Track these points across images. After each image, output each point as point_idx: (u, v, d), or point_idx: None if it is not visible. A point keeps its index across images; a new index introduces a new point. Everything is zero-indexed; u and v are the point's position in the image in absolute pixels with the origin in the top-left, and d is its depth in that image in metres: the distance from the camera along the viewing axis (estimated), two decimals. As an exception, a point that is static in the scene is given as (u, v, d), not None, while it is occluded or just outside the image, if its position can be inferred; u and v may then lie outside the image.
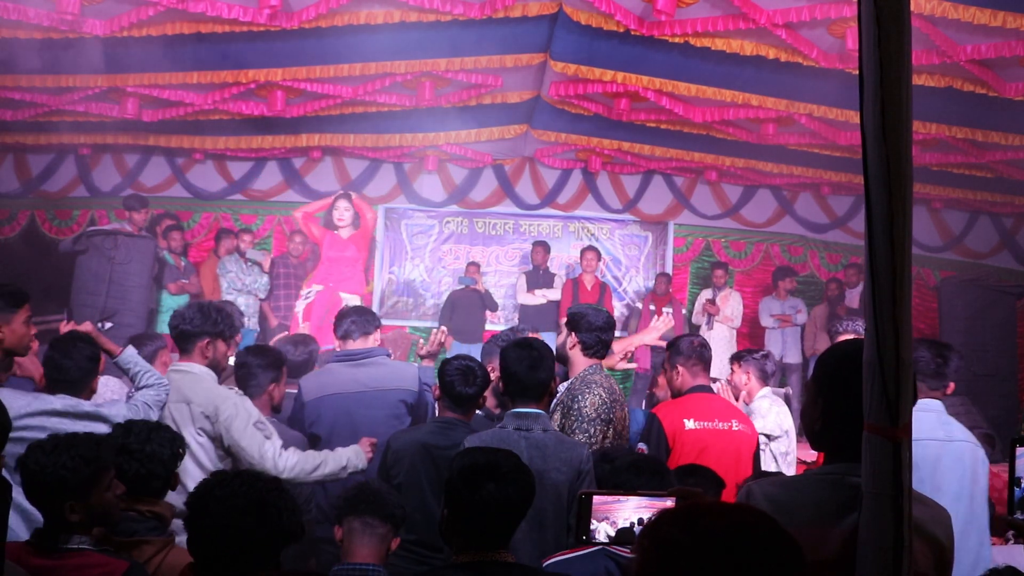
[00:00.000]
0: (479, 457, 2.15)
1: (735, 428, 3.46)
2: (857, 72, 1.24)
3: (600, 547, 2.55)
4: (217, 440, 3.05)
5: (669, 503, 1.50)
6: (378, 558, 2.43)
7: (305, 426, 3.60)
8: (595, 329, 3.36)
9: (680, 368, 3.59)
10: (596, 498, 1.53)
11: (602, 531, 1.51)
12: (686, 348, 3.59)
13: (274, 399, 3.50)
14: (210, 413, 3.02)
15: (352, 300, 6.17)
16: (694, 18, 5.54)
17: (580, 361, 3.37)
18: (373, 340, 3.86)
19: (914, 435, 2.84)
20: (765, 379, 4.43)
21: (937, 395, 3.08)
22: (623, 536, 1.54)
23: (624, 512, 1.50)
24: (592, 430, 3.13)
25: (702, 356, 3.59)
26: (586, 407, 3.15)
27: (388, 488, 2.65)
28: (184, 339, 3.17)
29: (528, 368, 2.85)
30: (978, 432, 4.91)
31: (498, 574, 2.02)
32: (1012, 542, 3.39)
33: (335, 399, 3.57)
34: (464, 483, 2.09)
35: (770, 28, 5.39)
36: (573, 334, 3.39)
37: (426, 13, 5.65)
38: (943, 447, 2.93)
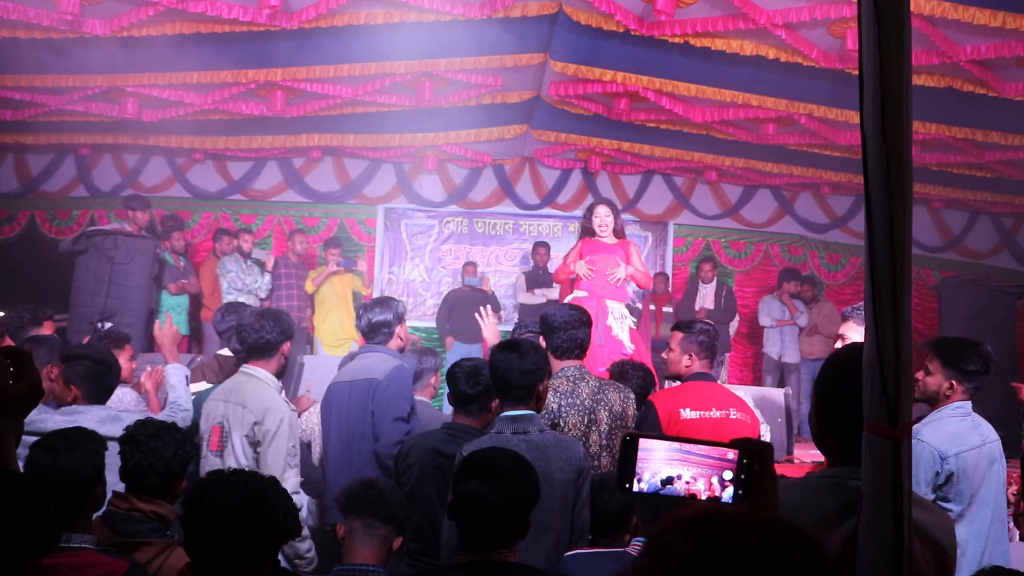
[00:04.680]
0: (483, 453, 2.17)
1: (732, 416, 3.41)
2: (857, 72, 1.24)
3: (622, 549, 2.55)
4: (255, 445, 3.21)
5: (731, 455, 1.25)
6: (378, 559, 2.42)
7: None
8: (556, 329, 3.35)
9: (691, 355, 3.54)
10: (642, 442, 1.27)
11: (650, 483, 1.25)
12: (695, 335, 3.55)
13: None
14: (258, 419, 3.19)
15: (618, 308, 5.37)
16: (694, 18, 5.54)
17: (555, 364, 3.34)
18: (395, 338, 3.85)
19: (956, 448, 2.88)
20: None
21: (968, 396, 3.05)
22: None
23: (661, 464, 1.26)
24: None
25: (709, 345, 3.56)
26: None
27: (393, 487, 2.61)
28: (266, 349, 3.37)
29: (517, 370, 2.82)
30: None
31: (498, 574, 2.03)
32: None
33: (333, 387, 3.69)
34: (456, 475, 2.11)
35: (770, 28, 5.39)
36: (542, 339, 3.41)
37: (426, 13, 5.65)
38: (980, 454, 2.94)
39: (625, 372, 4.07)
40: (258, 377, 3.35)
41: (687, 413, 3.37)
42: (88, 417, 3.04)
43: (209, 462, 3.27)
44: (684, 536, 0.90)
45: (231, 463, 3.19)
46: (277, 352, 3.41)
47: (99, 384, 3.27)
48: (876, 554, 1.24)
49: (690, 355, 3.54)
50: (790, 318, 8.92)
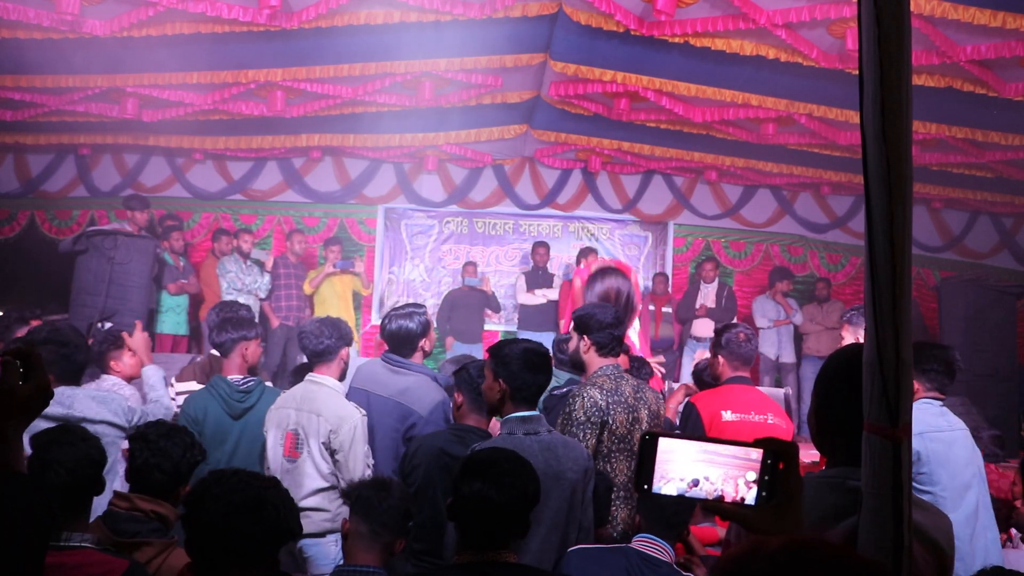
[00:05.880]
0: (484, 453, 2.17)
1: (770, 421, 3.44)
2: (857, 72, 1.24)
3: (625, 544, 2.56)
4: (331, 451, 3.38)
5: (755, 455, 1.20)
6: (380, 561, 2.42)
7: None
8: (606, 327, 3.33)
9: (721, 359, 3.62)
10: (662, 441, 1.21)
11: (678, 486, 1.21)
12: (729, 342, 3.60)
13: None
14: (334, 427, 3.37)
15: None
16: (694, 18, 5.54)
17: (595, 362, 3.33)
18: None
19: (919, 427, 2.91)
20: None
21: (935, 395, 3.13)
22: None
23: (685, 465, 1.22)
24: (581, 434, 3.12)
25: (741, 351, 3.60)
26: (575, 410, 3.13)
27: (403, 491, 2.59)
28: (326, 354, 3.55)
29: (547, 375, 2.84)
30: (988, 434, 4.93)
31: (498, 574, 2.03)
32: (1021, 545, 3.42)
33: (361, 394, 3.66)
34: (457, 476, 2.11)
35: (770, 28, 5.39)
36: (585, 337, 3.35)
37: (426, 13, 5.65)
38: (947, 437, 3.00)
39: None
40: (328, 385, 3.52)
41: (728, 415, 3.41)
42: (81, 396, 3.26)
43: (283, 467, 3.42)
44: (773, 569, 0.85)
45: (308, 468, 3.37)
46: (336, 357, 3.56)
47: (69, 365, 3.34)
48: (876, 554, 1.24)
49: (721, 359, 3.63)
50: (785, 317, 8.90)
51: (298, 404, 3.48)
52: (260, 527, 1.82)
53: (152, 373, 3.75)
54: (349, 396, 3.67)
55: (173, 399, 3.95)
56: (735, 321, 8.82)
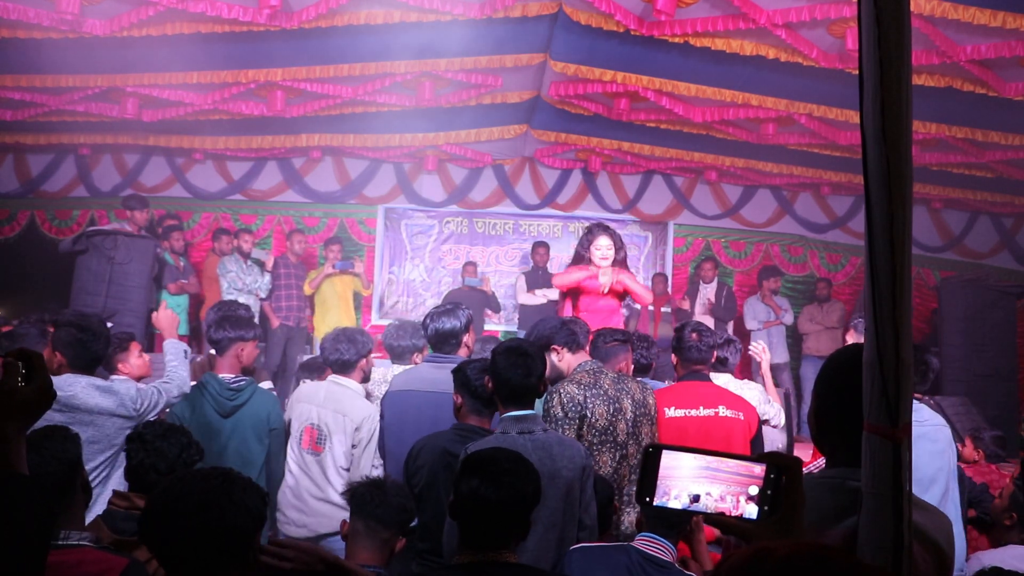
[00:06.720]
0: (485, 452, 2.17)
1: (722, 414, 3.51)
2: (857, 72, 1.24)
3: (626, 541, 2.57)
4: (352, 445, 3.65)
5: (758, 469, 1.22)
6: (379, 560, 2.42)
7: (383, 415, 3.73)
8: (561, 327, 3.49)
9: (675, 357, 3.74)
10: (666, 454, 1.22)
11: (680, 501, 1.22)
12: (681, 341, 3.70)
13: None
14: (358, 425, 3.66)
15: None
16: (694, 18, 5.55)
17: (572, 362, 3.44)
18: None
19: None
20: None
21: (914, 394, 3.19)
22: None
23: (688, 480, 1.23)
24: (560, 430, 3.16)
25: (691, 355, 3.66)
26: (554, 406, 3.21)
27: (399, 488, 2.58)
28: (346, 366, 3.82)
29: (521, 373, 2.83)
30: (989, 435, 4.93)
31: (498, 574, 2.02)
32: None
33: (408, 395, 3.58)
34: (457, 475, 2.11)
35: (770, 28, 5.39)
36: (553, 347, 3.47)
37: (426, 13, 5.65)
38: (916, 430, 3.02)
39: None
40: (351, 388, 3.78)
41: (671, 412, 3.48)
42: (84, 384, 3.19)
43: (304, 460, 3.67)
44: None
45: (328, 461, 3.62)
46: (356, 367, 3.83)
47: (83, 351, 3.29)
48: (876, 554, 1.24)
49: (674, 357, 3.75)
50: (776, 319, 8.88)
51: (321, 402, 3.69)
52: (214, 527, 1.74)
53: (171, 348, 3.73)
54: (388, 401, 3.61)
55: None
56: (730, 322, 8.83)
